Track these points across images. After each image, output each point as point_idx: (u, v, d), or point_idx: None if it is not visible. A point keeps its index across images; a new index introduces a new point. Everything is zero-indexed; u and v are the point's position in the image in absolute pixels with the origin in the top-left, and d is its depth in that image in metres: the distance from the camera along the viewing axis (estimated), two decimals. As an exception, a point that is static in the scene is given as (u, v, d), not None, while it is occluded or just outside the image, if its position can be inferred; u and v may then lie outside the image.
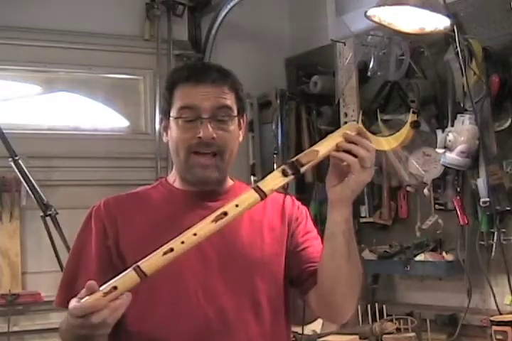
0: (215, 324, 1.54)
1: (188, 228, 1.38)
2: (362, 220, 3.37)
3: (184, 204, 1.62)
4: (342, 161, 1.47)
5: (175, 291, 1.55)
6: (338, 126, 3.33)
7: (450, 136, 2.78)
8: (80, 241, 1.64)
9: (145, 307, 1.54)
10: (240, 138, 1.68)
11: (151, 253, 1.35)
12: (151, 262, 1.33)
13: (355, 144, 1.47)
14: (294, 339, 2.85)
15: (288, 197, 1.70)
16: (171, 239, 1.36)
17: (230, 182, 1.70)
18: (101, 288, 1.31)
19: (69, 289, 1.52)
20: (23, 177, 2.91)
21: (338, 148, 1.47)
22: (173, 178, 1.69)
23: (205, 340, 1.54)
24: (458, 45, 2.67)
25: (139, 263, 1.33)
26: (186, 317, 1.54)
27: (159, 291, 1.54)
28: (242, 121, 1.67)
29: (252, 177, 3.78)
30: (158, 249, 1.35)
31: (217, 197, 1.63)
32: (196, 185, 1.62)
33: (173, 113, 1.61)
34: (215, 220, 1.37)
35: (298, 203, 1.73)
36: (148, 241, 1.44)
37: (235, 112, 1.63)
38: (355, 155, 1.46)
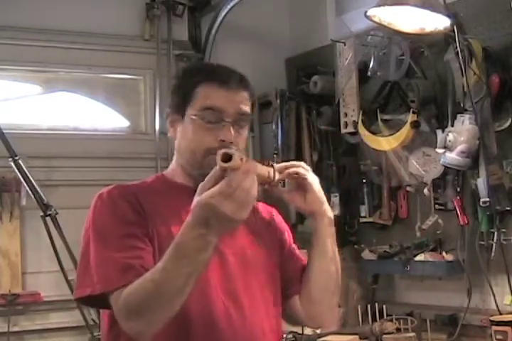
0: (235, 318, 1.57)
1: None
2: (362, 220, 3.37)
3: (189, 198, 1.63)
4: (296, 174, 1.67)
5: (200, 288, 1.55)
6: (339, 126, 3.36)
7: (450, 136, 2.78)
8: (115, 222, 1.54)
9: None
10: None
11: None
12: None
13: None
14: (294, 339, 2.86)
15: (274, 209, 1.81)
16: None
17: None
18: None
19: (125, 271, 1.46)
20: (23, 177, 2.91)
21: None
22: (172, 174, 1.69)
23: (226, 331, 1.55)
24: (458, 45, 2.67)
25: None
26: (209, 312, 1.55)
27: None
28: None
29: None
30: None
31: None
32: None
33: (192, 111, 1.60)
34: None
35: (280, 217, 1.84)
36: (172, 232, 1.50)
37: (250, 119, 1.67)
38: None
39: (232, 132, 1.58)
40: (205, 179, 1.36)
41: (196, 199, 1.35)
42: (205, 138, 1.58)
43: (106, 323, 1.59)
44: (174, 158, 1.71)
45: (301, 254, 1.79)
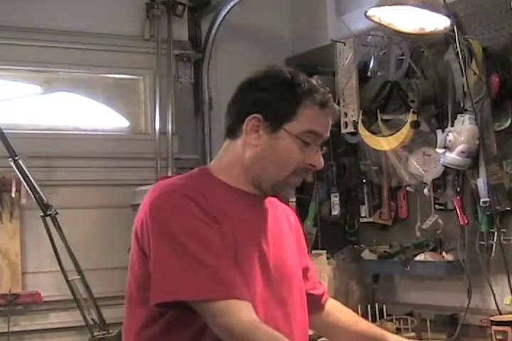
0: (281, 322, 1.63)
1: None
2: (362, 220, 3.37)
3: (248, 204, 1.65)
4: None
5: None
6: (339, 126, 3.36)
7: (450, 136, 2.78)
8: (196, 231, 1.53)
9: None
10: None
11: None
12: None
13: None
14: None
15: (291, 210, 1.84)
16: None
17: None
18: None
19: (226, 284, 1.49)
20: (23, 177, 2.91)
21: None
22: (223, 175, 1.66)
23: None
24: (458, 45, 2.67)
25: None
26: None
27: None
28: None
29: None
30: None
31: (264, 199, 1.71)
32: (261, 191, 1.66)
33: (294, 129, 1.61)
34: None
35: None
36: (244, 237, 1.57)
37: None
38: None
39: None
40: None
41: None
42: (297, 157, 1.62)
43: (141, 323, 1.59)
44: (233, 160, 1.66)
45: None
